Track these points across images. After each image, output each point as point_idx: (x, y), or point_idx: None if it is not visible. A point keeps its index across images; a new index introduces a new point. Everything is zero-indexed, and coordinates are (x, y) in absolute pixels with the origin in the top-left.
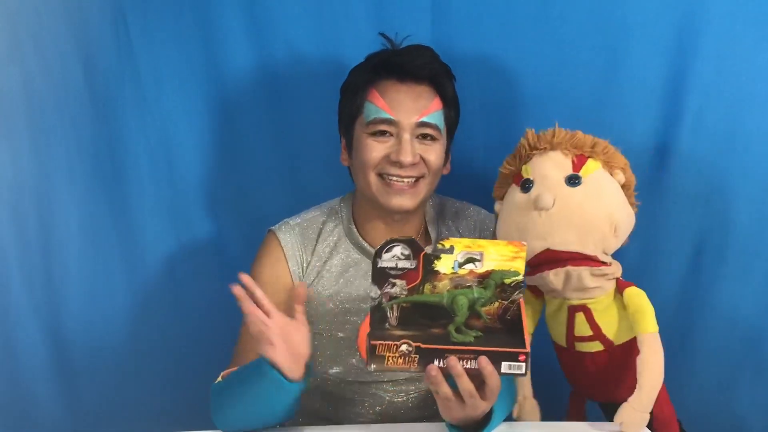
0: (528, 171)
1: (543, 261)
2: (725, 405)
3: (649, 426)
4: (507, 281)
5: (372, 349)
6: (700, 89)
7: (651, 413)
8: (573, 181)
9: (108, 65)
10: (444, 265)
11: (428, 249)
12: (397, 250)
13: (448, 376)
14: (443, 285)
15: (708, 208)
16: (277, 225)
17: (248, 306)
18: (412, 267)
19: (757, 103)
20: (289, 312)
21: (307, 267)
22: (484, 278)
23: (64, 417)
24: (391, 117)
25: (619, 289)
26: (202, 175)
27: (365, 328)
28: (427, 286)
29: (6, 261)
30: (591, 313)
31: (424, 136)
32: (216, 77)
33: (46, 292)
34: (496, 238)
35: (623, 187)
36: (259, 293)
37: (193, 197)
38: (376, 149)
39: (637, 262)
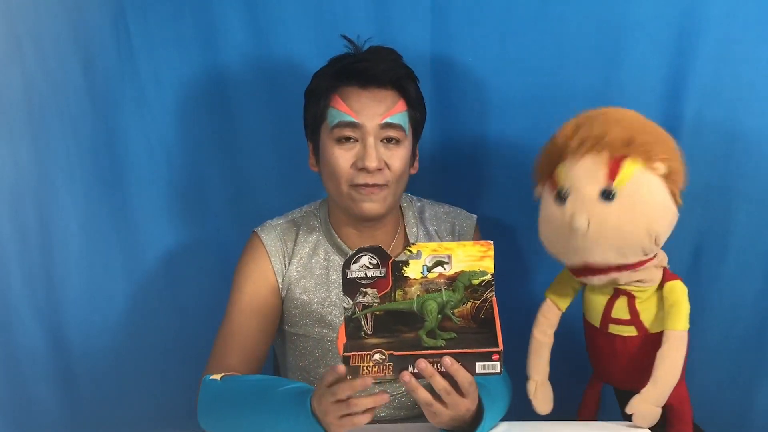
0: (562, 177)
1: (585, 270)
2: (725, 404)
3: (664, 411)
4: (475, 282)
5: (346, 361)
6: (700, 89)
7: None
8: (607, 195)
9: (108, 65)
10: (413, 270)
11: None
12: (365, 259)
13: (427, 382)
14: (414, 290)
15: (707, 209)
16: (259, 226)
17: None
18: (382, 275)
19: (757, 104)
20: (275, 310)
21: (288, 265)
22: (453, 280)
23: (63, 417)
24: (355, 120)
25: (664, 280)
26: (201, 175)
27: (344, 331)
28: (399, 293)
29: (6, 261)
30: (634, 299)
31: (389, 140)
32: (216, 77)
33: (46, 291)
34: (474, 239)
35: (667, 176)
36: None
37: (192, 197)
38: (342, 157)
39: None
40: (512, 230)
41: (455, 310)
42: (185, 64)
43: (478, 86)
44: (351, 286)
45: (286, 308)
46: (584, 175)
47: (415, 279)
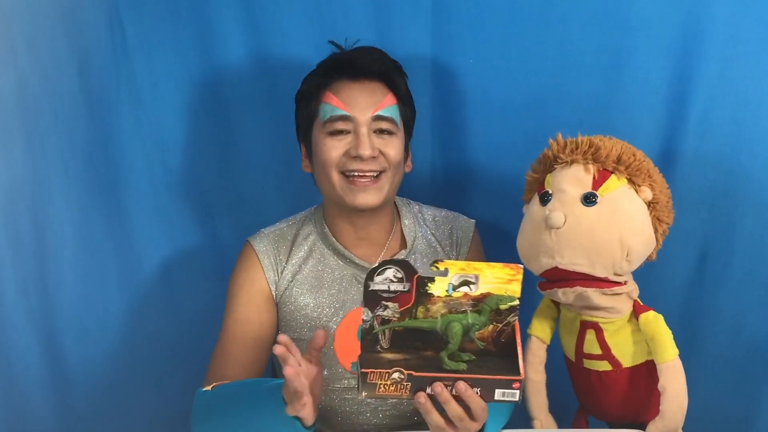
0: (549, 182)
1: (553, 278)
2: (731, 411)
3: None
4: (503, 307)
5: (363, 377)
6: (705, 91)
7: None
8: (589, 200)
9: (103, 67)
10: (438, 288)
11: (419, 269)
12: (390, 272)
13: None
14: (437, 308)
15: (713, 213)
16: (253, 235)
17: (292, 368)
18: (405, 290)
19: (763, 106)
20: (271, 319)
21: (282, 272)
22: (478, 301)
23: (57, 424)
24: (347, 113)
25: (636, 313)
26: (198, 179)
27: (342, 332)
28: (420, 309)
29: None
30: (602, 332)
31: (381, 131)
32: (212, 79)
33: (40, 297)
34: (472, 244)
35: (651, 203)
36: (294, 350)
37: (189, 201)
38: (335, 147)
39: (641, 267)
40: (512, 235)
41: (478, 332)
42: (182, 66)
43: (479, 89)
44: (372, 298)
45: (280, 314)
46: (570, 180)
47: (438, 297)
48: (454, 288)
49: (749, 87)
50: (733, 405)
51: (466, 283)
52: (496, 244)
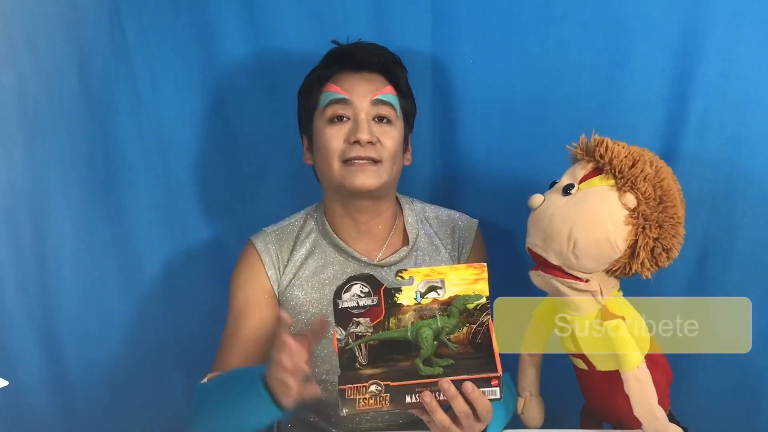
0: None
1: (533, 260)
2: (730, 412)
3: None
4: (470, 306)
5: (341, 394)
6: (705, 92)
7: None
8: (566, 190)
9: (103, 67)
10: (406, 297)
11: (387, 282)
12: (356, 288)
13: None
14: (408, 317)
15: (713, 213)
16: (255, 233)
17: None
18: (374, 303)
19: (763, 106)
20: (272, 317)
21: (284, 270)
22: (447, 305)
23: (58, 423)
24: (345, 96)
25: (603, 320)
26: (198, 179)
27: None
28: (392, 321)
29: (0, 266)
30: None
31: (380, 118)
32: (213, 79)
33: (40, 298)
34: (475, 244)
35: (637, 213)
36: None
37: (189, 201)
38: (335, 136)
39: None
40: (514, 235)
41: (451, 336)
42: (182, 66)
43: (479, 89)
44: (343, 316)
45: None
46: (568, 173)
47: (408, 306)
48: (422, 295)
49: (749, 87)
50: (734, 404)
51: (433, 288)
52: (496, 243)
